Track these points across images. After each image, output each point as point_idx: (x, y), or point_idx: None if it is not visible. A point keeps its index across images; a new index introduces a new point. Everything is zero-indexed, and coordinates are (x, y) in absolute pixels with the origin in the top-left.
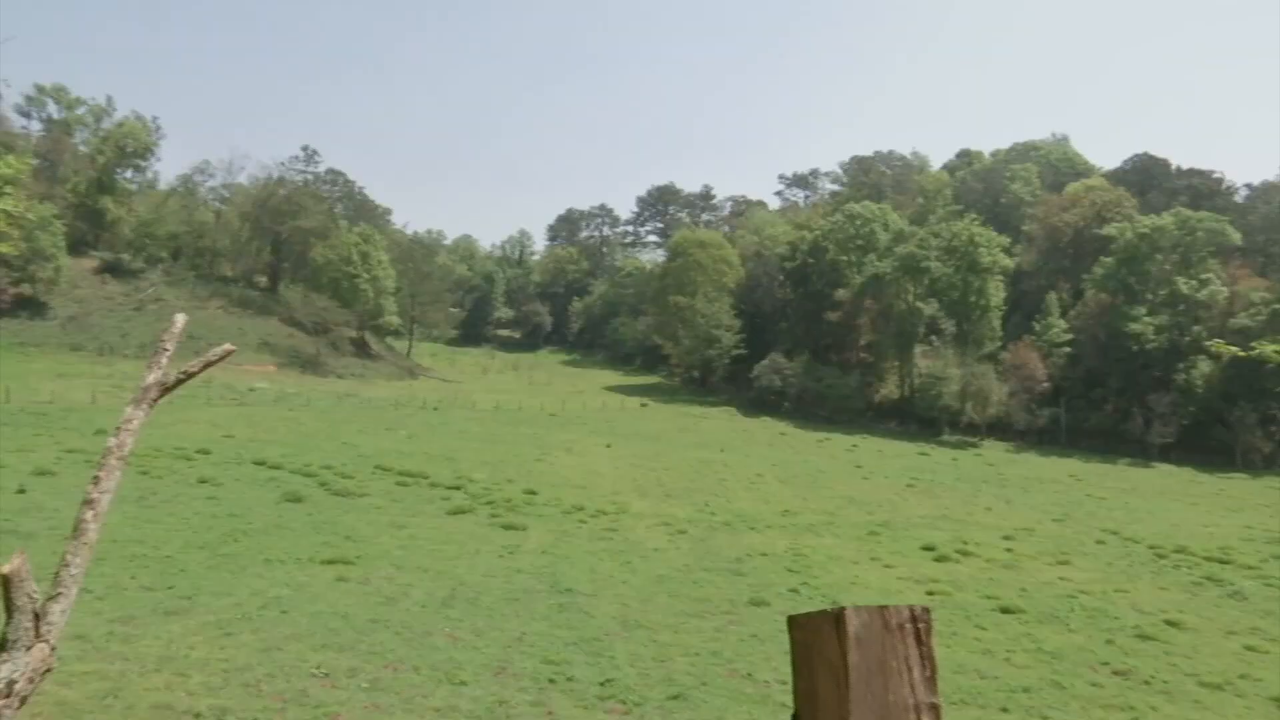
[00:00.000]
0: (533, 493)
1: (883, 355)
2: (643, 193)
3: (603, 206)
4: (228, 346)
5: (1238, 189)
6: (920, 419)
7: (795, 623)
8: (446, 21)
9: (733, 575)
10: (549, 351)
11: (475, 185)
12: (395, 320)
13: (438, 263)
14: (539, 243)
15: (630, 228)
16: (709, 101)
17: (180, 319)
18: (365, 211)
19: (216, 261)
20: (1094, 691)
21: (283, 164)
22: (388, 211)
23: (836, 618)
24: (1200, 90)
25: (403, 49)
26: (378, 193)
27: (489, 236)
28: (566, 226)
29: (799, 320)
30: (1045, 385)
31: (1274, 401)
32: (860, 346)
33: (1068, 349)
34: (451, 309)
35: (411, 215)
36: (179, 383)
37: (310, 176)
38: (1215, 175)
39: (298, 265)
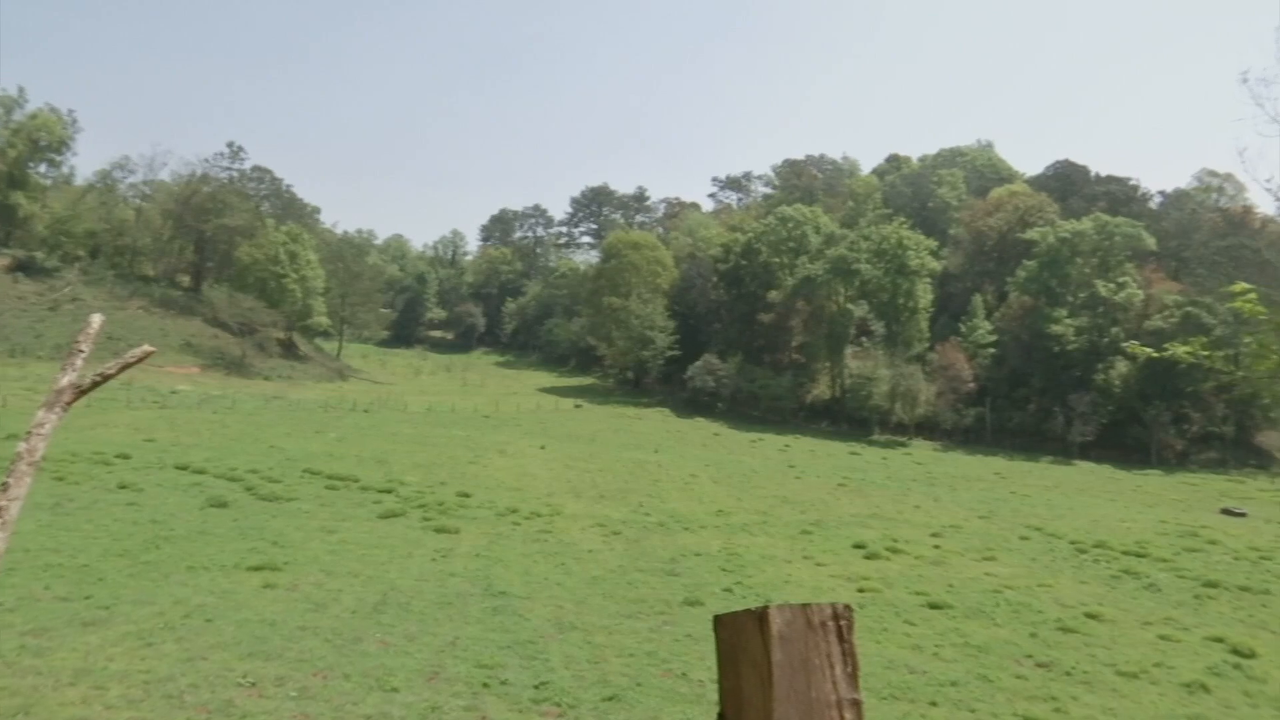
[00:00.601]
0: (466, 495)
1: (814, 356)
2: (577, 193)
3: (536, 207)
4: (146, 348)
5: (1152, 196)
6: (851, 419)
7: (720, 622)
8: (379, 18)
9: (667, 576)
10: (482, 353)
11: (407, 184)
12: (324, 321)
13: (368, 262)
14: (472, 243)
15: (564, 229)
16: (643, 103)
17: (97, 319)
18: (293, 210)
19: (137, 260)
20: (1019, 684)
21: (207, 160)
22: (316, 210)
23: (760, 616)
24: (1119, 100)
25: (334, 45)
26: (306, 191)
27: (421, 236)
28: (500, 227)
29: (732, 321)
30: (971, 385)
31: (1186, 401)
32: (792, 347)
33: (992, 350)
34: (382, 310)
35: (341, 214)
36: (95, 385)
37: (235, 174)
38: (1132, 182)
39: (223, 264)
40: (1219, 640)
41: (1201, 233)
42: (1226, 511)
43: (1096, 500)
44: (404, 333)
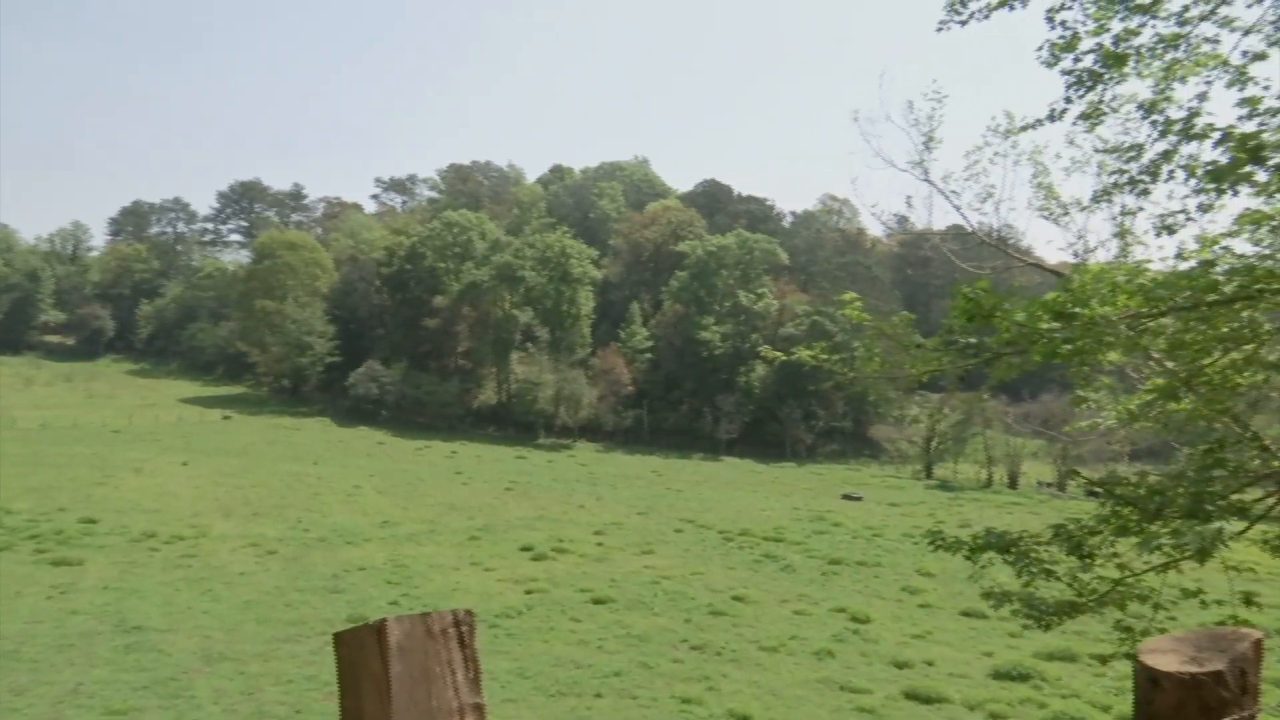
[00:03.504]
0: (92, 521)
1: (481, 362)
2: (224, 188)
3: (177, 200)
4: None
5: (785, 215)
6: (518, 423)
7: (340, 639)
8: None
9: (329, 594)
10: (111, 360)
11: (12, 167)
12: None
13: None
14: (98, 237)
15: (210, 225)
16: (300, 96)
17: None
18: None
19: None
20: (676, 667)
21: None
22: None
23: (378, 629)
24: (758, 126)
25: None
26: None
27: (32, 228)
28: (133, 220)
29: (397, 327)
30: (630, 388)
31: (814, 400)
32: (459, 353)
33: (649, 355)
34: None
35: None
36: None
37: None
38: (769, 203)
39: None
40: (842, 610)
41: (825, 250)
42: (847, 496)
43: (741, 492)
44: (11, 338)
